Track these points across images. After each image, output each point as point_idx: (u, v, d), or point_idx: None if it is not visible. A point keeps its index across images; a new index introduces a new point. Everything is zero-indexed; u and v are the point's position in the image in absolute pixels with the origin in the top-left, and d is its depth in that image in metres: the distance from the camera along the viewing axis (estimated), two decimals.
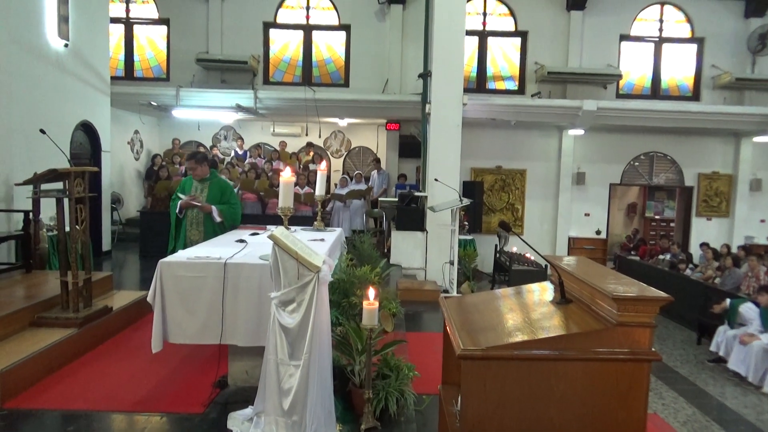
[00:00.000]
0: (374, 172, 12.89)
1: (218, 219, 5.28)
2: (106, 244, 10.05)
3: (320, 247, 4.26)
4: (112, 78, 10.52)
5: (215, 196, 5.38)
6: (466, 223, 10.77)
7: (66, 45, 8.56)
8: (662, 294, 2.21)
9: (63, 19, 8.48)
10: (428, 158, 9.08)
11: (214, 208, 5.30)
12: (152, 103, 11.16)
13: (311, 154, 13.16)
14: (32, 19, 7.88)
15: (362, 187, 11.86)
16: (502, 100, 11.32)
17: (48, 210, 7.21)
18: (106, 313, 5.16)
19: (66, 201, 4.93)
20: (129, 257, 10.10)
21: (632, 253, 13.61)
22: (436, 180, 8.45)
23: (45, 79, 8.17)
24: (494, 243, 10.97)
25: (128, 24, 12.69)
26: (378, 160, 13.43)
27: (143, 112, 12.50)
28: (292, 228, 5.28)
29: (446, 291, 7.97)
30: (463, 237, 10.11)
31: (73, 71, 8.91)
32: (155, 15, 12.70)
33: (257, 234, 5.02)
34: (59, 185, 5.17)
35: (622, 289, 2.24)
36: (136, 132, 13.09)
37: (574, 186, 12.95)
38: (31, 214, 6.59)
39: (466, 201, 7.76)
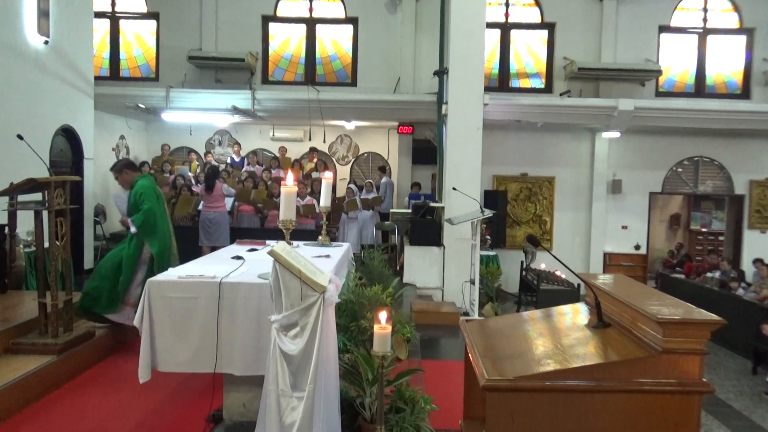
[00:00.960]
0: (382, 181, 12.92)
1: (133, 229, 5.33)
2: (88, 261, 10.13)
3: (326, 264, 4.26)
4: (96, 78, 10.67)
5: (132, 205, 5.44)
6: (488, 237, 10.75)
7: (46, 42, 8.70)
8: (713, 316, 2.18)
9: (43, 14, 8.62)
10: (445, 165, 9.09)
11: (129, 220, 5.36)
12: (140, 105, 11.30)
13: (315, 160, 13.23)
14: (9, 13, 8.03)
15: (371, 196, 11.88)
16: (527, 100, 11.32)
17: (25, 224, 7.29)
18: (88, 339, 5.18)
19: (45, 214, 4.99)
20: None
21: (676, 270, 13.47)
22: (454, 189, 8.45)
23: (22, 79, 8.30)
24: (520, 259, 10.93)
25: (114, 19, 12.89)
26: (383, 169, 13.47)
27: (130, 115, 12.65)
28: (295, 243, 5.31)
29: (467, 313, 7.94)
30: (485, 253, 10.08)
31: (54, 71, 9.05)
32: (143, 9, 12.89)
33: (255, 250, 5.03)
34: (38, 196, 5.24)
35: (667, 311, 2.22)
36: (122, 137, 13.24)
37: (609, 195, 12.89)
38: (6, 228, 6.65)
39: (488, 212, 7.75)
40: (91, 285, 5.40)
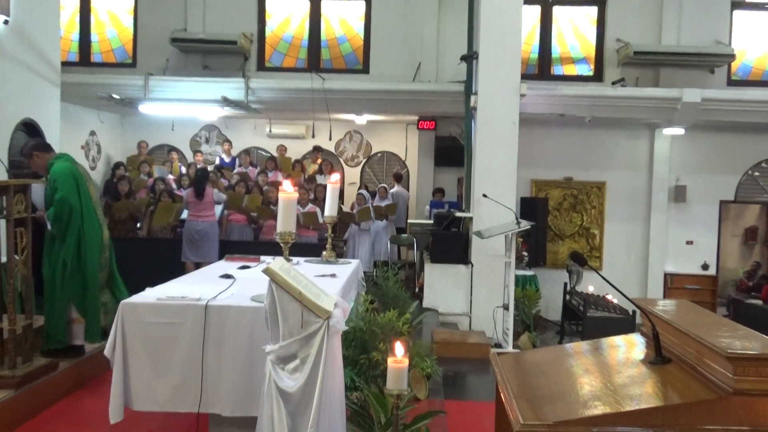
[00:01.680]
0: (392, 191, 12.94)
1: (49, 226, 5.32)
2: None
3: (331, 285, 4.28)
4: (64, 64, 10.78)
5: (48, 196, 5.37)
6: (525, 253, 10.72)
7: (5, 22, 8.85)
8: None
9: None
10: (474, 167, 9.09)
11: (45, 215, 5.35)
12: (114, 95, 11.42)
13: (319, 161, 13.30)
14: None
15: (384, 204, 11.91)
16: (572, 90, 11.31)
17: None
18: (51, 371, 5.23)
19: (2, 223, 5.06)
20: None
21: (752, 295, 13.32)
22: (484, 196, 8.45)
23: None
24: (563, 281, 10.86)
25: None
26: (398, 177, 13.48)
27: (102, 107, 12.80)
28: (294, 259, 5.32)
29: (499, 345, 7.91)
30: (521, 272, 10.04)
31: (14, 55, 9.20)
32: None
33: (248, 267, 5.06)
34: None
35: (740, 345, 2.21)
36: (93, 133, 13.40)
37: (671, 204, 12.80)
38: None
39: (525, 224, 7.73)
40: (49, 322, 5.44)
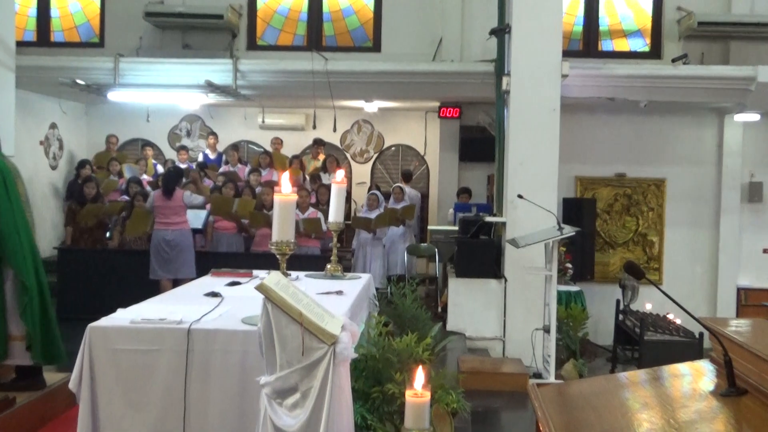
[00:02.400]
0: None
1: None
2: None
3: (337, 304, 4.28)
4: (19, 44, 10.88)
5: None
6: (569, 265, 10.66)
7: None
8: None
9: None
10: (507, 162, 9.07)
11: None
12: (78, 81, 11.49)
13: (321, 157, 13.32)
14: None
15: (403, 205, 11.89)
16: (624, 69, 11.26)
17: None
18: (7, 407, 5.26)
19: None
20: None
21: None
22: (519, 197, 8.43)
23: None
24: (615, 297, 10.79)
25: None
26: (407, 175, 13.45)
27: (65, 95, 12.89)
28: (293, 274, 5.32)
29: (538, 375, 7.87)
30: (564, 288, 10.00)
31: None
32: None
33: (238, 284, 5.07)
34: None
35: None
36: (54, 126, 13.50)
37: (744, 204, 12.72)
38: None
39: (568, 230, 7.70)
40: None
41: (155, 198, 9.95)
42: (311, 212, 10.44)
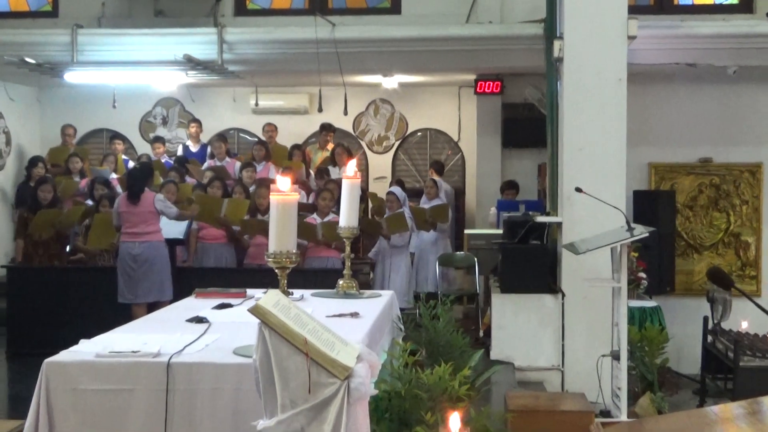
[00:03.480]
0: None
1: None
2: None
3: (352, 328, 4.29)
4: None
5: None
6: (642, 274, 10.60)
7: None
8: None
9: None
10: (562, 148, 9.04)
11: None
12: (27, 59, 11.57)
13: (330, 146, 13.33)
14: None
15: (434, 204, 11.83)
16: (707, 28, 11.18)
17: None
18: None
19: None
20: None
21: None
22: (578, 191, 8.39)
23: None
24: (702, 314, 10.73)
25: None
26: (439, 167, 13.40)
27: (11, 77, 12.98)
28: (296, 293, 5.33)
29: (606, 413, 7.84)
30: (638, 303, 9.94)
31: None
32: None
33: (228, 306, 5.09)
34: None
35: None
36: None
37: None
38: None
39: (641, 231, 7.66)
40: None
41: (119, 203, 9.89)
42: (333, 216, 10.32)
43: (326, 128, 13.64)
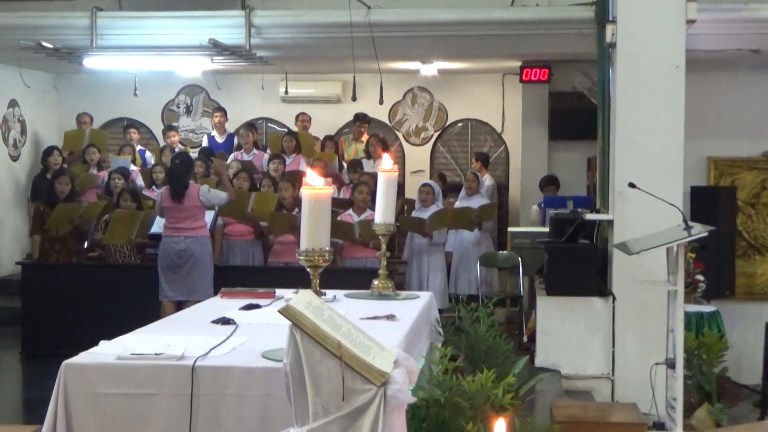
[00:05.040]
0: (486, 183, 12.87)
1: None
2: None
3: (388, 332, 4.30)
4: None
5: None
6: (700, 277, 10.53)
7: None
8: None
9: None
10: (614, 140, 8.99)
11: None
12: (44, 44, 11.65)
13: (364, 137, 13.33)
14: None
15: (476, 203, 11.77)
16: None
17: None
18: None
19: None
20: (1, 357, 10.49)
21: None
22: (631, 186, 8.34)
23: None
24: (764, 319, 10.66)
25: None
26: (486, 159, 13.34)
27: (27, 63, 13.08)
28: (329, 294, 5.35)
29: (660, 425, 7.79)
30: (695, 308, 9.88)
31: None
32: None
33: (257, 307, 5.13)
34: None
35: None
36: (14, 104, 13.74)
37: None
38: None
39: (699, 230, 7.61)
40: None
41: (163, 197, 9.93)
42: (369, 214, 10.31)
43: (360, 118, 13.62)
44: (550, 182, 12.39)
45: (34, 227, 11.21)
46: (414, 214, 11.60)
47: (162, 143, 13.98)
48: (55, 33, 11.73)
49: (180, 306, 9.16)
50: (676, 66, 8.73)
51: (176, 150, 13.07)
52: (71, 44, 11.75)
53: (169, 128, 13.86)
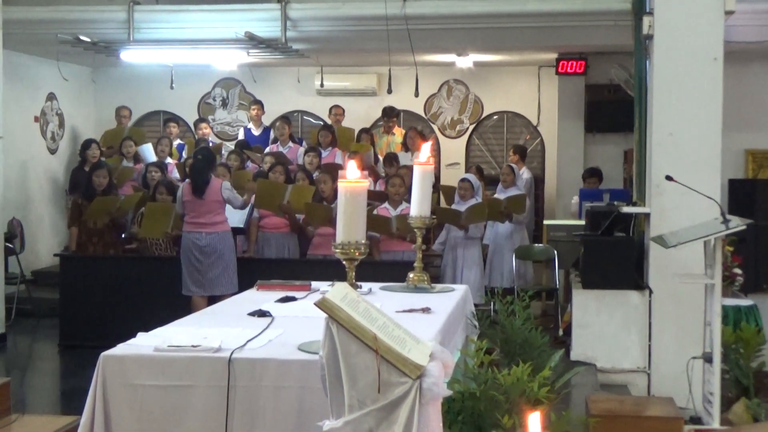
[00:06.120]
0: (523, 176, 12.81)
1: None
2: None
3: (424, 325, 4.30)
4: None
5: None
6: (738, 270, 10.45)
7: None
8: None
9: None
10: (651, 133, 8.94)
11: None
12: (82, 37, 11.72)
13: (397, 131, 13.31)
14: None
15: (511, 193, 11.76)
16: None
17: None
18: None
19: None
20: (39, 348, 10.60)
21: None
22: (668, 179, 8.30)
23: None
24: None
25: None
26: (523, 151, 13.27)
27: (65, 57, 13.18)
28: (365, 286, 5.35)
29: (697, 419, 7.74)
30: (732, 302, 9.80)
31: None
32: None
33: (293, 299, 5.15)
34: None
35: None
36: (52, 97, 13.85)
37: None
38: None
39: (737, 223, 7.55)
40: None
41: (183, 191, 9.92)
42: (406, 207, 10.30)
43: (388, 113, 13.58)
44: (592, 174, 12.33)
45: (72, 220, 11.25)
46: (453, 207, 11.57)
47: (199, 136, 14.07)
48: (93, 27, 11.81)
49: (210, 299, 9.21)
50: (714, 58, 8.67)
51: (210, 143, 13.12)
52: (109, 38, 11.83)
53: (200, 120, 13.92)
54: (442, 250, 11.29)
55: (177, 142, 13.72)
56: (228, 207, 10.10)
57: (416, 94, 13.45)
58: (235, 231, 10.44)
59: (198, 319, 4.78)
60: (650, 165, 8.89)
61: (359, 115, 14.23)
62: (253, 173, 11.54)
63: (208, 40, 11.78)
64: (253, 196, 10.40)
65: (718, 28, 8.69)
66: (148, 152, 12.83)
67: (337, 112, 13.61)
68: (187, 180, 10.20)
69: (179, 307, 8.40)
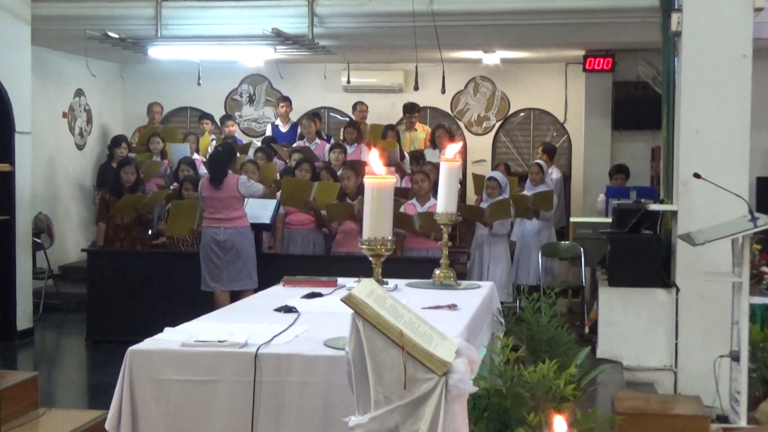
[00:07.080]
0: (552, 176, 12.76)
1: None
2: (23, 317, 10.69)
3: (450, 321, 4.30)
4: None
5: None
6: (766, 269, 10.41)
7: None
8: None
9: None
10: (679, 130, 8.90)
11: None
12: (110, 34, 11.78)
13: (420, 127, 13.29)
14: None
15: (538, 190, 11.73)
16: None
17: None
18: None
19: None
20: (67, 343, 10.66)
21: None
22: (696, 176, 8.26)
23: None
24: None
25: None
26: (552, 150, 13.23)
27: (93, 53, 13.23)
28: (391, 283, 5.35)
29: (724, 418, 7.71)
30: (759, 300, 9.75)
31: None
32: None
33: (319, 295, 5.15)
34: None
35: None
36: (80, 93, 13.92)
37: None
38: None
39: (765, 221, 7.51)
40: None
41: (202, 187, 9.95)
42: (433, 204, 10.27)
43: (409, 109, 13.60)
44: (619, 170, 12.27)
45: (100, 215, 11.28)
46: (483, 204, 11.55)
47: (226, 133, 14.12)
48: (121, 23, 11.87)
49: (232, 295, 9.23)
50: (742, 55, 8.61)
51: (239, 141, 13.17)
52: (136, 34, 11.88)
53: (226, 117, 13.95)
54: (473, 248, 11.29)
55: (208, 136, 13.73)
56: (256, 202, 10.12)
57: (443, 91, 13.44)
58: (261, 227, 10.41)
59: (224, 315, 4.80)
60: (678, 162, 8.85)
61: (385, 111, 14.24)
62: (279, 170, 11.57)
63: (235, 36, 11.80)
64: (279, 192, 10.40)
65: (747, 24, 8.64)
66: (184, 153, 12.80)
67: (361, 108, 13.62)
68: (206, 176, 10.20)
69: (204, 303, 8.44)
